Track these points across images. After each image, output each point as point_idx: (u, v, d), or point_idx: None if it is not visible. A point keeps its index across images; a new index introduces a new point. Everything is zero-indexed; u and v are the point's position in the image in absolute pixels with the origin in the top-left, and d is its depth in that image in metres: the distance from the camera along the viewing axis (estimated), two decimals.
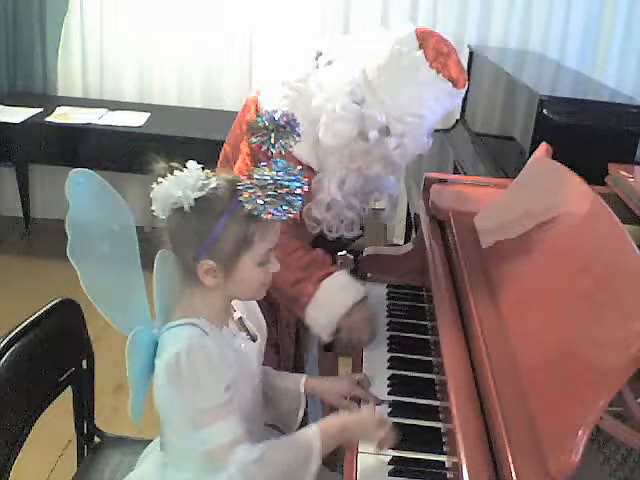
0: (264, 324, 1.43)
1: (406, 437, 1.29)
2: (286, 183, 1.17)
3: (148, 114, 3.81)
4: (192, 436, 1.19)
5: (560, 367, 1.10)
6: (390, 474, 1.24)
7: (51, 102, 3.89)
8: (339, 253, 1.90)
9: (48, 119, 3.67)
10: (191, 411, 1.18)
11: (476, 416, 1.18)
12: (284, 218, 1.19)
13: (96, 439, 1.70)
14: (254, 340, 1.37)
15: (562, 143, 1.92)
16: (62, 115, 3.73)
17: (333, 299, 1.64)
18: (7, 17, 3.93)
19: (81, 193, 1.25)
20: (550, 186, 1.53)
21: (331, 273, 1.67)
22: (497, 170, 2.73)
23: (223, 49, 3.94)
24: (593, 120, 2.42)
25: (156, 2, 3.86)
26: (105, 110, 3.82)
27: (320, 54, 1.71)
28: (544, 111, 2.38)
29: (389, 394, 1.47)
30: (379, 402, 1.43)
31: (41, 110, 3.75)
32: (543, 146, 1.80)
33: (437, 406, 1.41)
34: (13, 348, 1.40)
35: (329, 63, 1.68)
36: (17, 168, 3.87)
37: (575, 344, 1.10)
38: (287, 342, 1.93)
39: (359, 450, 1.29)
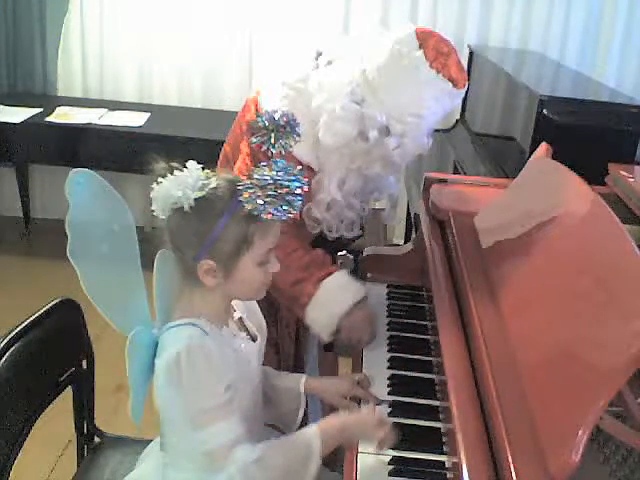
0: (264, 324, 1.43)
1: (406, 437, 1.29)
2: (286, 183, 1.17)
3: (148, 114, 3.81)
4: (192, 436, 1.19)
5: (560, 367, 1.10)
6: (390, 474, 1.24)
7: (51, 102, 3.89)
8: (339, 253, 1.90)
9: (48, 119, 3.67)
10: (191, 411, 1.18)
11: (476, 416, 1.18)
12: (284, 218, 1.19)
13: (96, 439, 1.70)
14: (254, 340, 1.37)
15: (562, 143, 1.92)
16: (62, 115, 3.73)
17: (333, 299, 1.64)
18: (7, 17, 3.93)
19: (81, 193, 1.25)
20: (550, 186, 1.53)
21: (331, 273, 1.67)
22: (497, 170, 2.73)
23: (223, 49, 3.94)
24: (593, 120, 2.42)
25: (156, 2, 3.86)
26: (105, 110, 3.82)
27: (320, 54, 1.71)
28: (544, 111, 2.38)
29: (389, 394, 1.47)
30: (379, 402, 1.43)
31: (41, 110, 3.75)
32: (543, 146, 1.80)
33: (437, 406, 1.41)
34: (13, 348, 1.40)
35: (329, 63, 1.68)
36: (17, 168, 3.88)
37: (575, 344, 1.10)
38: (287, 342, 1.93)
39: (359, 450, 1.29)
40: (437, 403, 1.42)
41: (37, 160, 3.87)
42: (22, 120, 3.62)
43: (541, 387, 1.11)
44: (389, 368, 1.56)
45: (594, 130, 2.39)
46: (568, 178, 1.45)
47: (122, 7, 3.89)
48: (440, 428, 1.35)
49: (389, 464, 1.26)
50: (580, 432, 0.96)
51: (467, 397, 1.23)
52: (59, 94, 4.06)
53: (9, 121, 3.61)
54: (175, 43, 3.92)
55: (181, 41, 3.92)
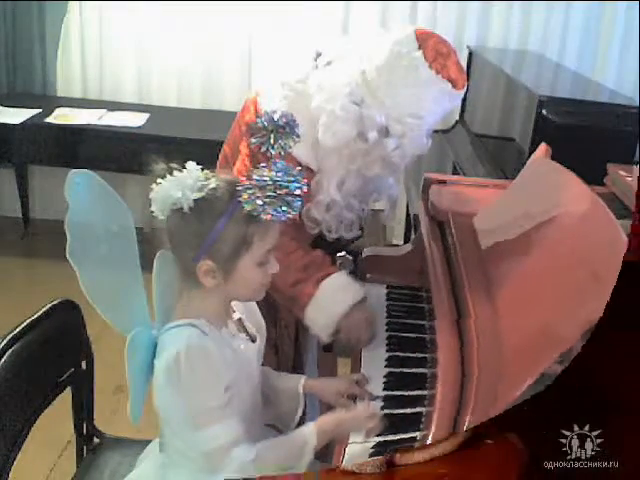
0: (263, 325, 1.43)
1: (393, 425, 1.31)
2: (285, 184, 1.17)
3: (147, 115, 3.80)
4: (191, 437, 1.19)
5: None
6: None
7: (50, 103, 3.88)
8: (338, 254, 1.90)
9: (47, 120, 3.66)
10: (190, 412, 1.18)
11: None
12: (283, 219, 1.19)
13: (95, 440, 1.69)
14: (253, 341, 1.37)
15: (561, 144, 1.92)
16: (61, 116, 3.72)
17: (332, 300, 1.64)
18: (6, 18, 3.93)
19: (80, 194, 1.25)
20: (549, 187, 1.53)
21: (330, 274, 1.66)
22: (496, 171, 2.73)
23: (223, 50, 3.94)
24: (592, 121, 2.42)
25: (155, 3, 3.86)
26: (104, 111, 3.81)
27: (319, 55, 1.71)
28: (543, 112, 2.38)
29: (384, 390, 1.47)
30: (373, 398, 1.44)
31: (40, 111, 3.74)
32: (542, 147, 1.81)
33: (425, 395, 1.41)
34: (13, 349, 1.40)
35: (328, 64, 1.68)
36: (16, 169, 3.87)
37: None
38: (286, 343, 1.93)
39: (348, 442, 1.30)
40: (426, 392, 1.42)
41: (36, 161, 3.86)
42: (21, 121, 3.61)
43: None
44: (387, 367, 1.56)
45: (593, 131, 2.40)
46: (567, 179, 1.45)
47: (121, 8, 3.89)
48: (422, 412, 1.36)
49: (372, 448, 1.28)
50: (529, 379, 1.10)
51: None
52: (58, 95, 4.05)
53: (8, 122, 3.60)
54: (174, 44, 3.92)
55: (180, 42, 3.91)
